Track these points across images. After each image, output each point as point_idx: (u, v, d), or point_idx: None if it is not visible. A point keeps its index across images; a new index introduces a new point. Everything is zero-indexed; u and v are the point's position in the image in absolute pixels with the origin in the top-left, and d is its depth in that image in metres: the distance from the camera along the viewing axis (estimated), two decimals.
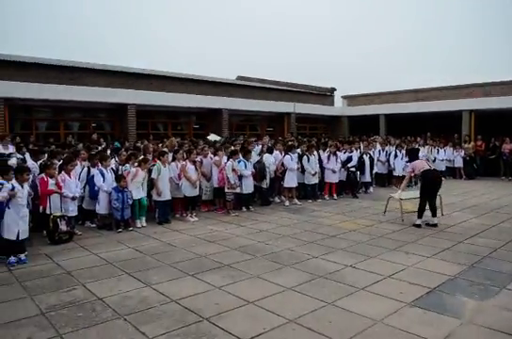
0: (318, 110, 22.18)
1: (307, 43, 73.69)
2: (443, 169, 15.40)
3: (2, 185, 5.54)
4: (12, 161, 7.63)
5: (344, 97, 25.21)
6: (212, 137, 14.16)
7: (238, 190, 8.97)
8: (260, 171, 9.57)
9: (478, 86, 19.39)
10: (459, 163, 15.85)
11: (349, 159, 11.16)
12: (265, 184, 9.82)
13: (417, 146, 14.49)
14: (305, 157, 10.34)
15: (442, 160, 15.66)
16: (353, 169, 11.12)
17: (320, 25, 74.58)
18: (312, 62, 69.73)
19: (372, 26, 72.12)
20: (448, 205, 9.10)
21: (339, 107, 24.56)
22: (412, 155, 8.41)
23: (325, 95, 24.39)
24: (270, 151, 10.40)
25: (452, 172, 16.11)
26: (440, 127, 18.79)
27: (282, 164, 10.05)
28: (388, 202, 8.56)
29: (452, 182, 14.53)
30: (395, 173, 13.18)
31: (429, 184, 7.61)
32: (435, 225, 7.59)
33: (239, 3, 75.75)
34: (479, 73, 52.06)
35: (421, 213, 7.64)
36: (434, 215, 7.68)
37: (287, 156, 9.99)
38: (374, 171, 12.50)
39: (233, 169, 8.80)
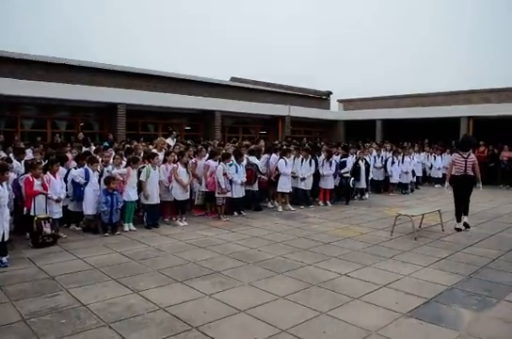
0: (314, 114, 22.27)
1: (300, 44, 74.09)
2: (440, 176, 15.49)
3: None
4: None
5: (340, 101, 25.35)
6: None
7: (229, 195, 8.95)
8: (253, 174, 9.56)
9: (478, 92, 19.59)
10: None
11: (343, 164, 11.18)
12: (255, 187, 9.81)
13: (413, 153, 14.55)
14: (297, 161, 10.42)
15: (439, 168, 15.68)
16: (347, 175, 11.14)
17: (315, 27, 75.02)
18: (305, 65, 70.09)
19: (368, 29, 72.70)
20: (445, 214, 9.13)
21: (335, 111, 24.68)
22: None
23: (321, 99, 24.51)
24: (253, 153, 10.37)
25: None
26: (438, 134, 18.93)
27: (277, 168, 10.05)
28: (395, 221, 7.76)
29: (449, 190, 14.58)
30: (392, 180, 13.25)
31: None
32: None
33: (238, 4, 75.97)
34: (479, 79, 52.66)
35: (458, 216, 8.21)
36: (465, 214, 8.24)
37: (281, 161, 9.99)
38: (369, 178, 12.54)
39: (225, 174, 8.78)
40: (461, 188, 8.14)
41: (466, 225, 8.16)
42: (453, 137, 17.79)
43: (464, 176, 8.04)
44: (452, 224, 8.28)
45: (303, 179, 10.38)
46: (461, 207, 8.18)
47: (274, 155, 10.47)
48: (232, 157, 9.21)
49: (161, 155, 8.76)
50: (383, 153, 13.84)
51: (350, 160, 11.45)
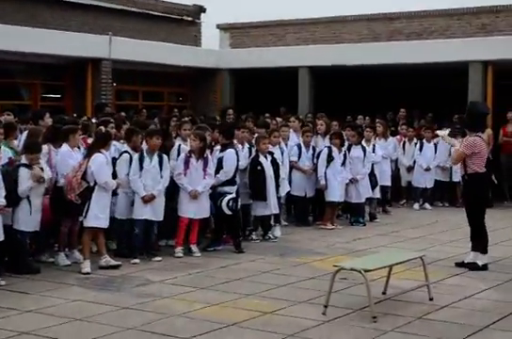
0: (166, 55, 22.29)
1: None
2: (429, 186, 16.43)
3: None
4: None
5: (222, 28, 25.67)
6: None
7: None
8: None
9: (502, 11, 20.95)
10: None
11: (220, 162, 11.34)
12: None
13: (373, 138, 15.14)
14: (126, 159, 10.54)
15: (428, 169, 16.49)
16: (232, 190, 11.39)
17: None
18: None
19: None
20: (439, 263, 9.63)
21: (213, 50, 25.03)
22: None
23: (181, 22, 24.73)
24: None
25: (449, 193, 17.22)
26: (426, 97, 19.89)
27: (84, 175, 9.84)
28: (333, 281, 7.64)
29: (450, 213, 15.38)
30: (331, 197, 13.62)
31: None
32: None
33: None
34: None
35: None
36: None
37: (97, 158, 9.84)
38: (283, 193, 12.79)
39: None
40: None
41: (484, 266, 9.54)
42: (455, 105, 18.61)
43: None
44: (449, 285, 8.77)
45: (148, 198, 10.46)
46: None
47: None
48: None
49: None
50: (312, 140, 14.19)
51: (243, 154, 11.65)
